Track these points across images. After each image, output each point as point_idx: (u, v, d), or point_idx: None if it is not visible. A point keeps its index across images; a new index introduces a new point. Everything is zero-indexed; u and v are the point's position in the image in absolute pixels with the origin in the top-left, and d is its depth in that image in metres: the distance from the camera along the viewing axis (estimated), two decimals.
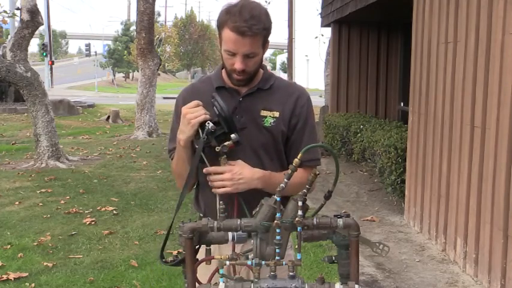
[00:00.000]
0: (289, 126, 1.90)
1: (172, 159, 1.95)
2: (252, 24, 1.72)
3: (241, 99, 1.88)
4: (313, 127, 1.96)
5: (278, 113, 1.88)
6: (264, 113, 1.88)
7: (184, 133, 1.77)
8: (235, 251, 1.50)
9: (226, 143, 1.73)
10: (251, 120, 1.86)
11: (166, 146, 11.03)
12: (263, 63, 1.96)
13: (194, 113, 1.74)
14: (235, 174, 1.76)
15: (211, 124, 1.72)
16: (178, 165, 1.88)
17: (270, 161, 1.89)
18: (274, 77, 1.96)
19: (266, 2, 16.25)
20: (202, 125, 1.73)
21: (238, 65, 1.78)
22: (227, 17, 1.74)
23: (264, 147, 1.88)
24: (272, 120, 1.87)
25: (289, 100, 1.90)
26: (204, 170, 1.79)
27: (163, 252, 1.72)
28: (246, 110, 1.87)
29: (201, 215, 1.96)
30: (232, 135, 1.73)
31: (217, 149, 1.73)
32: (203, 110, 1.75)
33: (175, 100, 2.03)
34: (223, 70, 1.93)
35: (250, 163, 1.84)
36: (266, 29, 1.78)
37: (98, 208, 6.10)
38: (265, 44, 1.83)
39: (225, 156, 1.76)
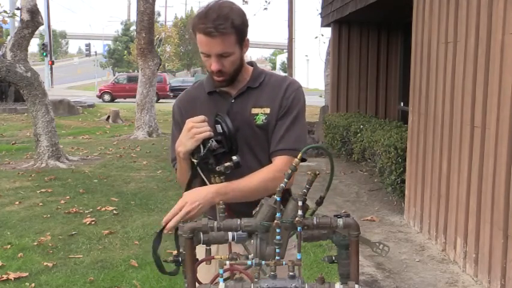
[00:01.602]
0: (277, 119, 1.88)
1: (175, 168, 1.96)
2: (218, 24, 1.71)
3: (233, 101, 1.88)
4: (298, 116, 1.87)
5: (269, 109, 1.86)
6: (254, 110, 1.86)
7: (185, 146, 1.76)
8: (235, 251, 1.50)
9: (226, 164, 1.72)
10: (244, 121, 1.85)
11: (166, 146, 11.05)
12: (253, 60, 1.96)
13: (200, 128, 1.74)
14: (178, 206, 1.72)
15: (214, 142, 1.73)
16: (183, 177, 1.87)
17: (267, 157, 1.89)
18: (265, 74, 1.94)
19: (266, 1, 16.28)
20: (204, 141, 1.74)
21: (213, 66, 1.78)
22: (196, 20, 1.76)
23: (259, 144, 1.87)
24: (264, 117, 1.86)
25: (278, 94, 1.88)
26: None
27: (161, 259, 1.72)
28: (238, 111, 1.87)
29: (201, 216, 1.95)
30: (234, 157, 1.73)
31: (219, 168, 1.72)
32: (208, 126, 1.75)
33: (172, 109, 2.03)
34: None
35: (248, 162, 1.84)
36: (236, 27, 1.75)
37: (98, 208, 6.10)
38: (242, 42, 1.81)
39: (223, 177, 1.75)
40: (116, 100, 29.36)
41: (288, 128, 1.85)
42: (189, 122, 1.77)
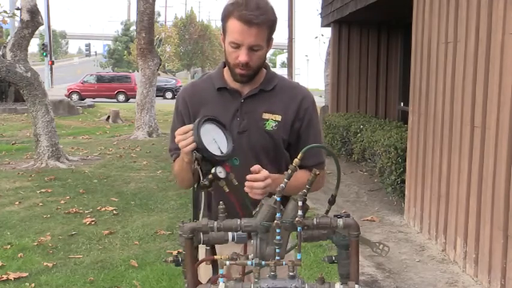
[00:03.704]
0: (291, 131, 1.86)
1: (173, 159, 1.94)
2: (258, 14, 1.70)
3: (242, 100, 1.85)
4: (319, 130, 1.93)
5: (280, 117, 1.84)
6: (265, 115, 1.84)
7: (185, 156, 1.72)
8: (237, 251, 1.50)
9: (209, 176, 1.65)
10: (253, 123, 1.83)
11: (166, 146, 11.03)
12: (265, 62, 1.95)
13: (185, 141, 1.66)
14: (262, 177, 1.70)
15: (197, 153, 1.65)
16: (182, 173, 1.84)
17: (270, 164, 1.86)
18: (278, 78, 1.92)
19: None
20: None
21: (242, 57, 1.74)
22: (233, 7, 1.72)
23: (264, 150, 1.85)
24: (274, 124, 1.84)
25: (292, 104, 1.86)
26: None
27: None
28: (247, 112, 1.84)
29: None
30: (216, 170, 1.63)
31: (202, 183, 1.65)
32: (191, 137, 1.65)
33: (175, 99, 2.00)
34: (225, 69, 1.89)
35: (250, 166, 1.83)
36: (272, 22, 1.76)
37: (98, 208, 6.10)
38: (269, 41, 1.80)
39: (223, 185, 1.65)
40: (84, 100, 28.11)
41: (316, 142, 1.87)
42: (177, 134, 1.70)
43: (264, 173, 1.69)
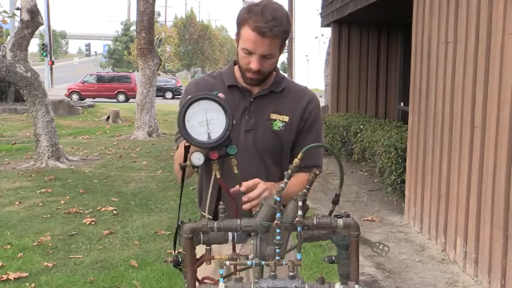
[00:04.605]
0: (296, 132, 1.89)
1: (177, 145, 1.93)
2: (273, 26, 1.71)
3: (252, 100, 1.88)
4: (319, 132, 1.94)
5: (287, 118, 1.87)
6: (273, 116, 1.87)
7: None
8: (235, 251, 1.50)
9: (186, 162, 1.54)
10: (260, 123, 1.86)
11: (166, 146, 11.04)
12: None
13: None
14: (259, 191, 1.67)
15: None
16: (180, 158, 1.78)
17: (274, 165, 1.88)
18: (286, 80, 1.96)
19: None
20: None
21: (254, 64, 1.77)
22: (249, 15, 1.73)
23: (270, 150, 1.87)
24: (281, 124, 1.86)
25: (299, 106, 1.89)
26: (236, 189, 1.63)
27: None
28: (255, 112, 1.87)
29: (209, 216, 1.91)
30: (192, 156, 1.51)
31: (182, 164, 1.54)
32: None
33: (185, 88, 2.01)
34: (236, 68, 1.91)
35: (254, 165, 1.83)
36: (286, 32, 1.77)
37: (98, 208, 6.10)
38: (282, 47, 1.82)
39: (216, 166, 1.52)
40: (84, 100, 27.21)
41: (315, 142, 1.85)
42: None
43: (254, 180, 1.67)
